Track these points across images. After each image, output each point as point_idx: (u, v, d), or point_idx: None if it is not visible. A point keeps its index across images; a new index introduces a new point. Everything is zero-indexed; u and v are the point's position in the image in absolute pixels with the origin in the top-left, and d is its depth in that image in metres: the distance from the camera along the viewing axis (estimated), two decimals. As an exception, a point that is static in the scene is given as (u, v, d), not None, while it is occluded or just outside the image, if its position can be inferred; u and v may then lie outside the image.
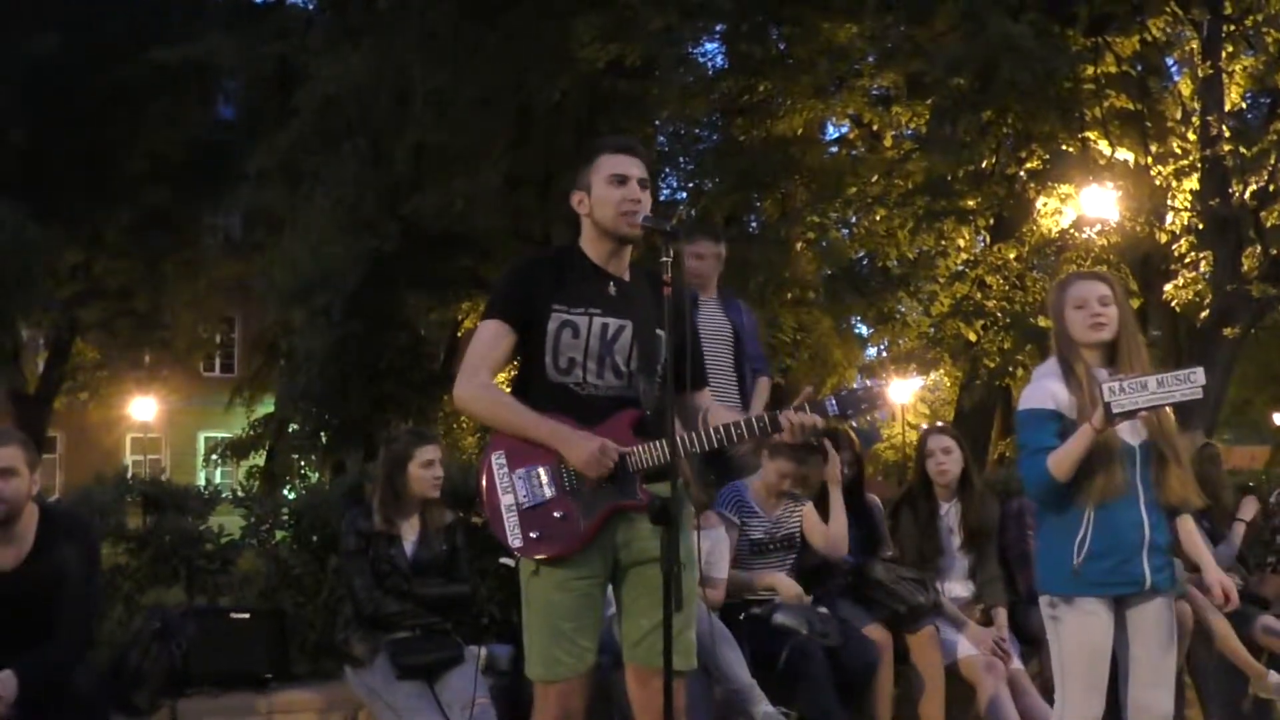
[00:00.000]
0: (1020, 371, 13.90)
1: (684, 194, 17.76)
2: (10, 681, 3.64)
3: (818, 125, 16.88)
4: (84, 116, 19.77)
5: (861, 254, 18.13)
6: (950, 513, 5.21)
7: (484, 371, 3.17)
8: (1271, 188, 12.18)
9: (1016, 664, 5.01)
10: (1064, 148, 13.08)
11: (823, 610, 4.88)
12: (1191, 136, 12.50)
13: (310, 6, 20.50)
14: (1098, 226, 13.04)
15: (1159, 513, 3.52)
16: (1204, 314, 12.64)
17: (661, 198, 17.07)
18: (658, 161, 17.46)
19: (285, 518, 5.40)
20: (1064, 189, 13.28)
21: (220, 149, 20.23)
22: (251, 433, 20.83)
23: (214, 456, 21.45)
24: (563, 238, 14.88)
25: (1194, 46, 12.95)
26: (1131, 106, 13.00)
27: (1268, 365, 22.57)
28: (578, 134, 16.08)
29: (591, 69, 14.06)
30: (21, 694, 3.65)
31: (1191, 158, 12.26)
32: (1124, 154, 13.14)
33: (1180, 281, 12.94)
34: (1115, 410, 3.26)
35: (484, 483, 3.13)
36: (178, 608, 4.87)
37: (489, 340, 3.18)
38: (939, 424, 7.78)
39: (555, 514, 3.07)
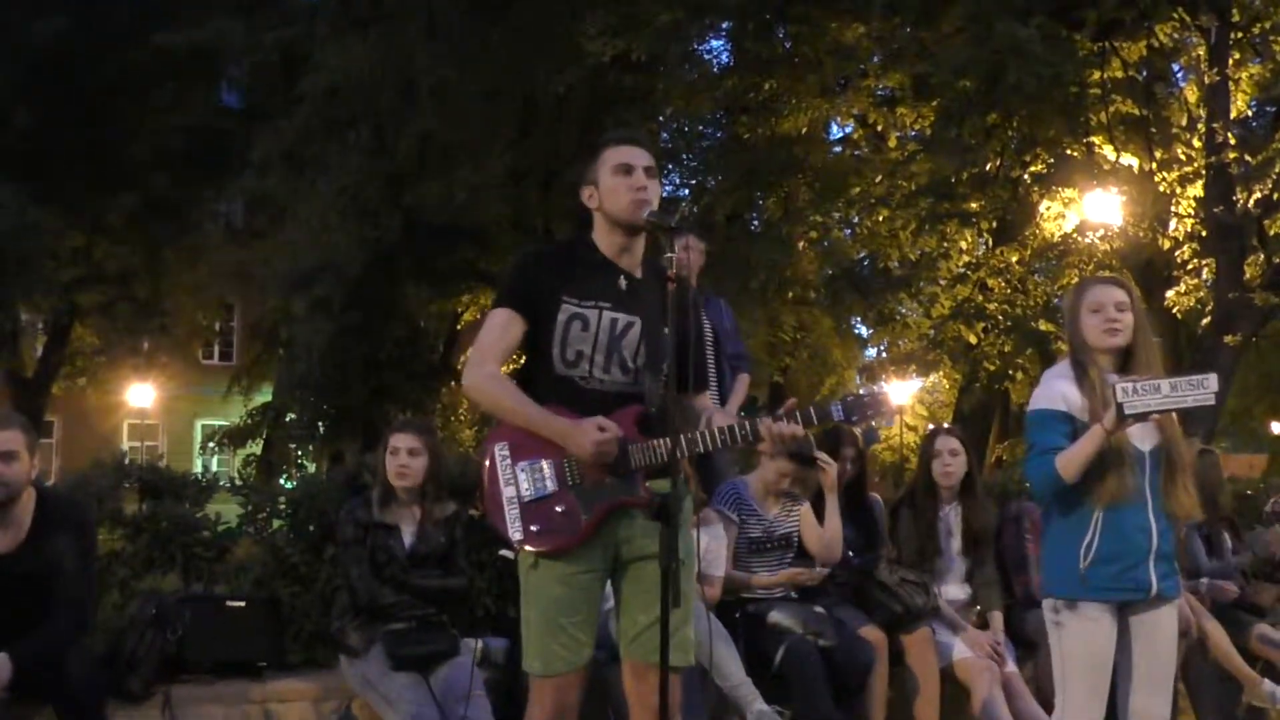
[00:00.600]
0: (1020, 375, 13.91)
1: (687, 191, 17.74)
2: (5, 664, 3.64)
3: (822, 125, 16.90)
4: (88, 101, 19.73)
5: (863, 254, 18.14)
6: (950, 515, 5.21)
7: (491, 360, 3.16)
8: (1276, 196, 12.16)
9: (1011, 667, 5.01)
10: (1068, 152, 13.07)
11: (819, 610, 4.87)
12: (1196, 143, 12.49)
13: (316, -5, 20.45)
14: (1101, 231, 13.04)
15: (1166, 520, 3.51)
16: (1205, 321, 12.63)
17: (664, 194, 17.04)
18: (661, 158, 17.44)
19: (282, 506, 5.40)
20: (1068, 193, 13.29)
21: (223, 136, 20.18)
22: (249, 421, 20.82)
23: (211, 444, 21.45)
24: (565, 231, 14.89)
25: (1201, 53, 12.92)
26: (1137, 112, 12.99)
27: (1267, 374, 22.58)
28: (582, 128, 16.08)
29: (597, 63, 14.05)
30: (16, 677, 3.65)
31: (1196, 164, 12.25)
32: (1128, 159, 13.13)
33: (1182, 288, 12.94)
34: (1128, 411, 3.24)
35: (486, 474, 3.12)
36: (173, 594, 4.87)
37: (498, 329, 3.17)
38: (946, 425, 7.77)
39: (557, 508, 3.06)
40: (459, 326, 20.93)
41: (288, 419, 19.04)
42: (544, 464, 3.08)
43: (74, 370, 25.39)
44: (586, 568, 3.09)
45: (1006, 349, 13.48)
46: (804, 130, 15.57)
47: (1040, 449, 3.50)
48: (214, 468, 22.08)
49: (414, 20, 15.21)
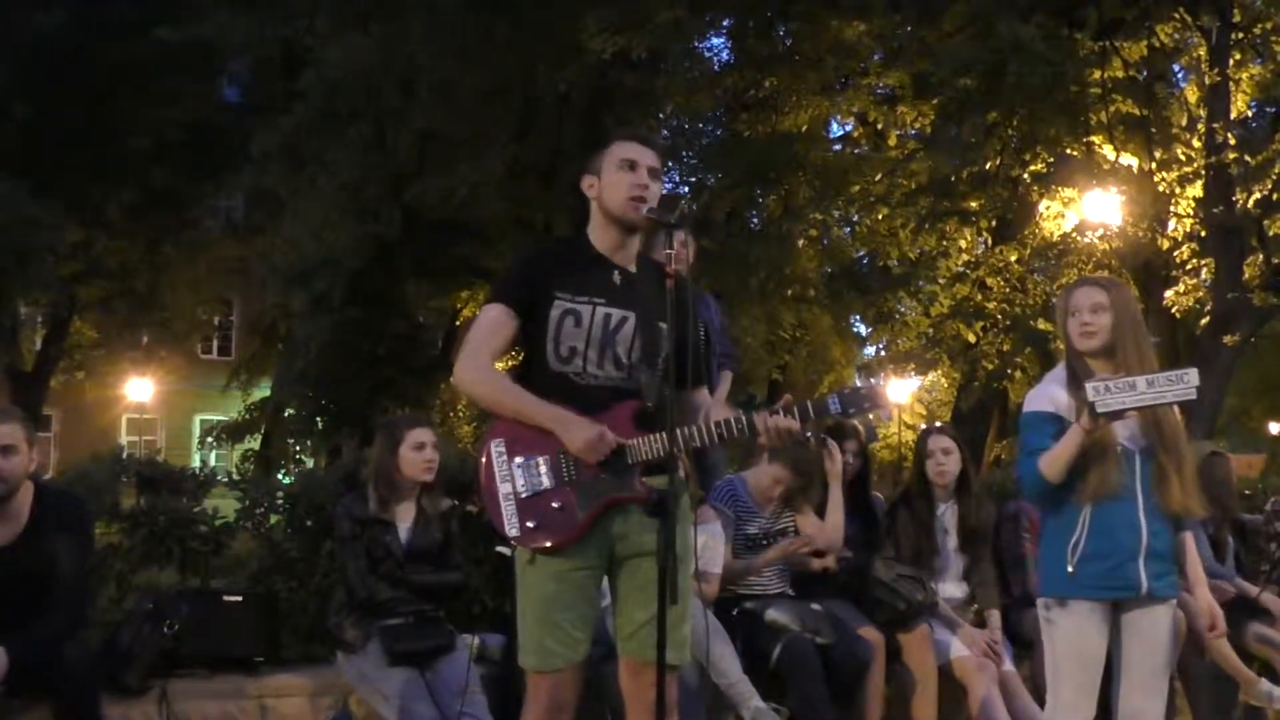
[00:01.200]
0: (1018, 374, 13.93)
1: (687, 188, 17.75)
2: (1, 658, 3.64)
3: (822, 123, 16.91)
4: (87, 94, 19.71)
5: (863, 253, 18.19)
6: (947, 513, 5.21)
7: (484, 355, 3.16)
8: (1275, 196, 12.17)
9: (1008, 666, 5.01)
10: (1068, 151, 13.08)
11: (816, 607, 4.87)
12: (1196, 143, 12.49)
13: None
14: (1100, 231, 13.05)
15: (1160, 520, 3.50)
16: (1204, 321, 12.64)
17: (664, 191, 17.04)
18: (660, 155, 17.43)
19: (279, 501, 5.39)
20: (1067, 193, 13.29)
21: (224, 130, 20.19)
22: (248, 416, 20.85)
23: (209, 439, 21.46)
24: (564, 228, 14.89)
25: (1201, 53, 12.93)
26: (1137, 112, 12.99)
27: (1266, 374, 22.62)
28: (583, 125, 16.09)
29: (598, 60, 14.05)
30: (13, 671, 3.65)
31: (1196, 165, 12.25)
32: (1128, 159, 13.13)
33: (1181, 288, 12.95)
34: (1100, 409, 3.25)
35: (482, 470, 3.12)
36: (170, 589, 4.86)
37: (491, 325, 3.17)
38: (939, 424, 7.78)
39: (553, 504, 3.06)
40: (458, 322, 20.93)
41: (286, 414, 19.06)
42: (540, 460, 3.08)
43: (73, 364, 25.41)
44: (582, 564, 3.09)
45: (1005, 348, 13.50)
46: (804, 128, 15.58)
47: (1029, 450, 3.53)
48: (212, 462, 22.08)
49: (415, 16, 15.20)
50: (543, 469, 3.07)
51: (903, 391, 23.64)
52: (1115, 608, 3.52)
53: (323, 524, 5.09)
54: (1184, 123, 13.22)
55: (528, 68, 15.21)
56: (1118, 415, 3.29)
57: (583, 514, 3.05)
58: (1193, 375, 3.25)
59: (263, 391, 21.92)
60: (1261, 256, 12.49)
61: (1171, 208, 12.74)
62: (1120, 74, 12.89)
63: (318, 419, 17.92)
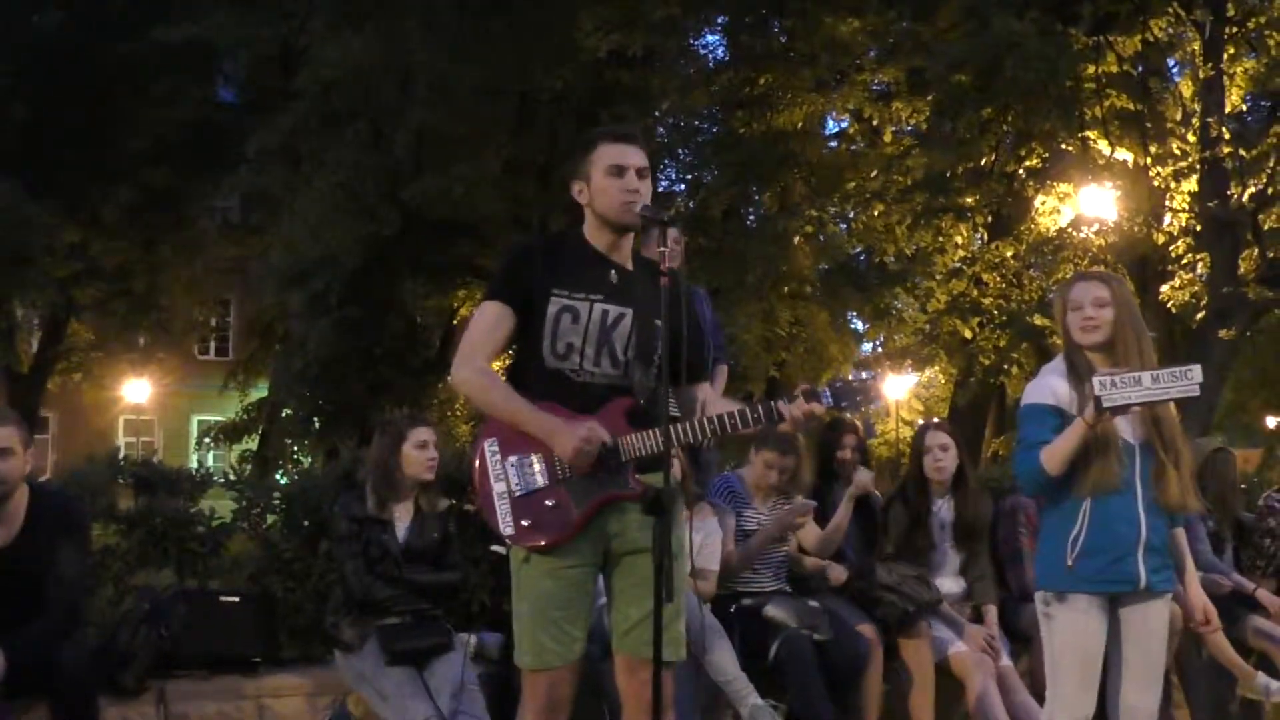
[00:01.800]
0: (1015, 369, 13.93)
1: (683, 185, 17.77)
2: (-1, 660, 3.64)
3: (818, 119, 16.89)
4: (85, 95, 19.71)
5: (859, 249, 18.18)
6: (944, 509, 5.21)
7: (481, 355, 3.16)
8: (1270, 190, 12.19)
9: (1006, 661, 5.01)
10: (1063, 147, 13.10)
11: (814, 604, 4.87)
12: (1191, 138, 12.51)
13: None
14: (1095, 226, 13.06)
15: (1158, 514, 3.51)
16: (1200, 315, 12.65)
17: (660, 189, 17.06)
18: (657, 153, 17.44)
19: (277, 502, 5.39)
20: (1063, 188, 13.31)
21: (220, 130, 20.18)
22: (245, 416, 20.82)
23: (207, 439, 21.43)
24: (561, 226, 14.88)
25: (1195, 48, 12.95)
26: (1132, 107, 13.01)
27: (1262, 368, 22.61)
28: (579, 123, 16.08)
29: (593, 58, 14.05)
30: (10, 672, 3.65)
31: (1191, 159, 12.27)
32: (1123, 154, 13.16)
33: (1177, 282, 12.97)
34: (1106, 404, 3.26)
35: (476, 469, 3.12)
36: (167, 590, 4.86)
37: (489, 323, 3.16)
38: (935, 420, 7.79)
39: (547, 502, 3.06)
40: (455, 321, 20.91)
41: (284, 414, 19.04)
42: (534, 458, 3.08)
43: (70, 366, 25.37)
44: (578, 561, 3.09)
45: (1002, 343, 13.51)
46: (800, 125, 15.59)
47: (1028, 443, 3.53)
48: (210, 463, 22.07)
49: (411, 15, 15.21)
50: (536, 467, 3.07)
51: (900, 387, 23.65)
52: (1113, 602, 3.53)
53: (320, 524, 5.09)
54: (1179, 117, 13.24)
55: (524, 66, 15.22)
56: (1123, 410, 3.30)
57: (577, 512, 3.05)
58: (1196, 371, 3.27)
59: (260, 392, 21.91)
60: (1257, 250, 12.52)
61: (1167, 202, 12.77)
62: (1115, 69, 12.91)
63: (315, 419, 17.92)
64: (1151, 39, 12.91)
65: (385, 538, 4.49)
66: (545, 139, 16.59)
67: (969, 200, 13.62)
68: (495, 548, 4.54)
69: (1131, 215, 12.71)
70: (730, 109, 16.53)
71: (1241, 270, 12.42)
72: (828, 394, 3.05)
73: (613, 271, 3.20)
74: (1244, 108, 14.17)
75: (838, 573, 5.07)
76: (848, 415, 5.24)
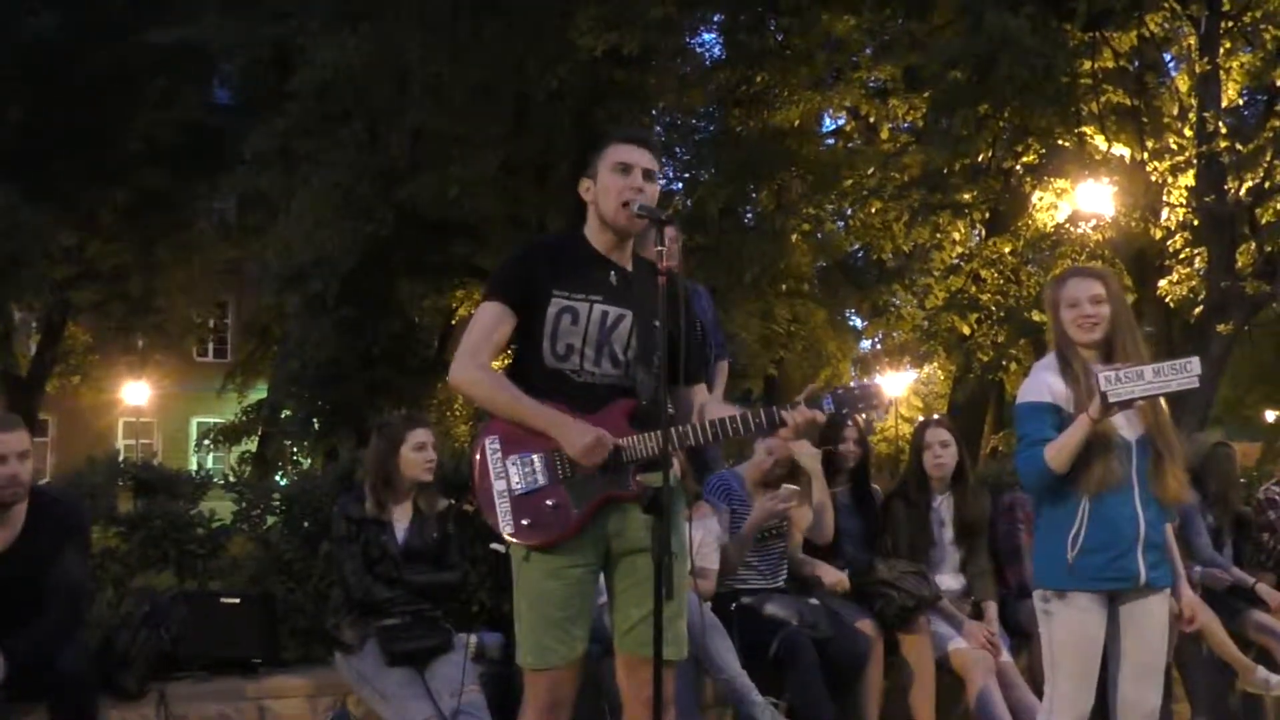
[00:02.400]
0: (1014, 365, 13.94)
1: (680, 184, 17.75)
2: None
3: (815, 117, 16.91)
4: (80, 97, 19.69)
5: (857, 246, 18.19)
6: (943, 505, 5.22)
7: (483, 354, 3.16)
8: (1267, 184, 12.20)
9: (1006, 657, 5.01)
10: (1060, 143, 13.10)
11: (813, 602, 4.87)
12: (1188, 133, 12.52)
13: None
14: (1093, 222, 13.06)
15: (1155, 510, 3.51)
16: (1198, 310, 12.66)
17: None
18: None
19: (276, 503, 5.39)
20: (1060, 184, 13.30)
21: (216, 132, 20.18)
22: (244, 418, 20.81)
23: (206, 441, 21.43)
24: (559, 226, 14.89)
25: (1192, 43, 12.95)
26: (1128, 102, 13.01)
27: (1260, 362, 22.65)
28: (575, 123, 16.08)
29: (590, 57, 14.05)
30: (10, 674, 3.65)
31: (1187, 154, 12.28)
32: (1120, 149, 13.16)
33: (1174, 277, 12.96)
34: (1112, 399, 3.27)
35: (477, 468, 3.12)
36: (167, 592, 4.86)
37: (489, 323, 3.16)
38: (935, 417, 7.80)
39: (548, 501, 3.06)
40: (453, 322, 20.92)
41: (283, 415, 19.03)
42: (534, 457, 3.08)
43: (68, 368, 25.37)
44: (578, 561, 3.09)
45: (1000, 339, 13.52)
46: (796, 123, 15.59)
47: (1029, 441, 3.52)
48: (209, 465, 22.07)
49: (406, 15, 15.19)
50: (537, 466, 3.07)
51: (899, 384, 23.68)
52: (1112, 598, 3.53)
53: (320, 525, 5.09)
54: (1175, 112, 13.25)
55: (520, 66, 15.21)
56: (1128, 404, 3.31)
57: (578, 511, 3.06)
58: (1195, 364, 3.29)
59: (259, 393, 21.89)
60: (1254, 244, 12.52)
61: (1164, 197, 12.77)
62: (1111, 64, 12.91)
63: (314, 420, 17.91)
64: (1147, 34, 12.91)
65: (384, 539, 4.49)
66: (542, 139, 16.57)
67: (966, 197, 13.61)
68: (495, 545, 4.54)
69: (1129, 210, 12.71)
70: (727, 107, 16.54)
71: (1239, 264, 12.43)
72: (830, 401, 3.04)
73: (613, 273, 3.20)
74: (1240, 102, 14.16)
75: (834, 578, 5.05)
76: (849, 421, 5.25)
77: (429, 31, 15.13)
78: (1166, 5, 12.50)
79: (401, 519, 4.57)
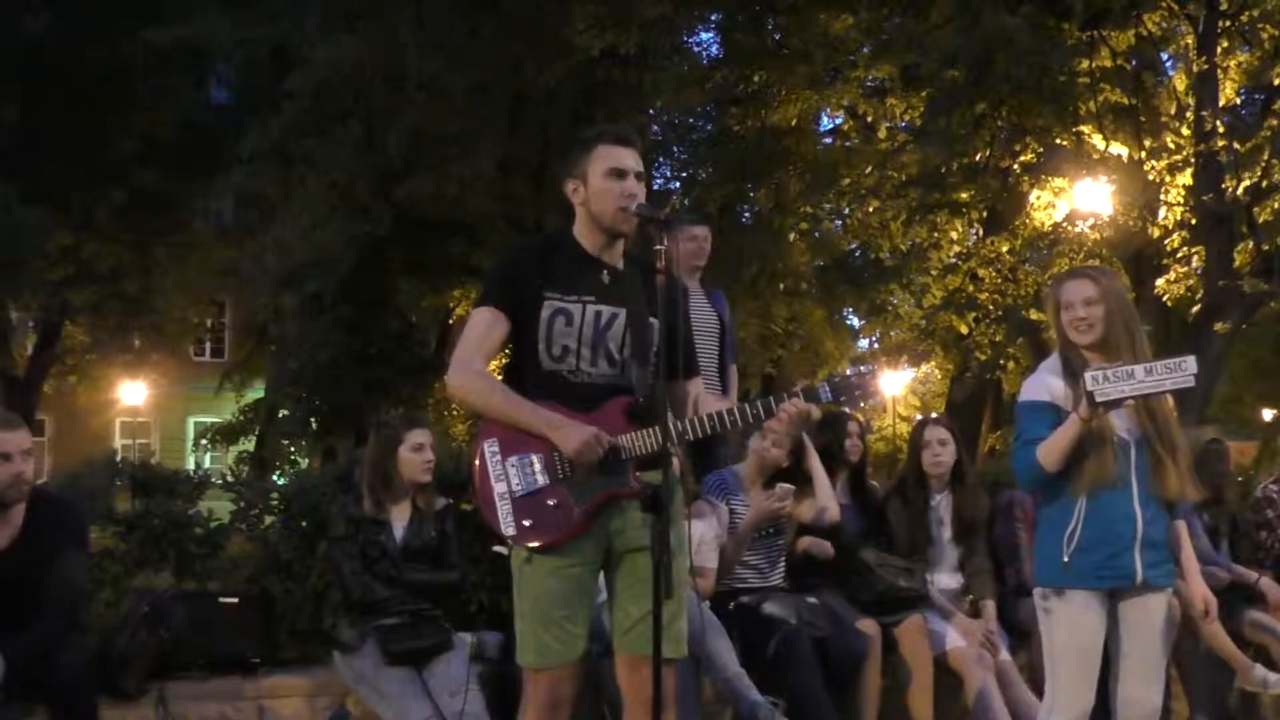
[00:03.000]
0: (1011, 364, 13.93)
1: (677, 183, 17.75)
2: (-2, 664, 3.64)
3: (812, 116, 16.89)
4: (76, 97, 19.66)
5: (854, 245, 18.18)
6: (942, 504, 5.22)
7: (478, 359, 3.16)
8: (1265, 183, 12.19)
9: (1004, 656, 5.02)
10: (1058, 141, 13.09)
11: (812, 600, 4.88)
12: (1186, 131, 12.50)
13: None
14: (1091, 220, 13.05)
15: (1155, 508, 3.51)
16: (1195, 309, 12.65)
17: (655, 187, 17.06)
18: (651, 150, 17.47)
19: (274, 503, 5.39)
20: (1057, 183, 13.29)
21: (213, 132, 20.15)
22: (241, 418, 20.79)
23: (204, 441, 21.41)
24: (556, 225, 14.89)
25: (1189, 41, 12.95)
26: (1126, 101, 13.00)
27: (1258, 361, 22.67)
28: (572, 121, 16.05)
29: (586, 57, 14.04)
30: (8, 674, 3.64)
31: (1185, 153, 12.26)
32: (1118, 148, 13.14)
33: (1172, 276, 12.96)
34: (1099, 399, 3.26)
35: (476, 470, 3.12)
36: (166, 591, 4.86)
37: (482, 328, 3.16)
38: (934, 415, 7.80)
39: (549, 502, 3.06)
40: (451, 321, 20.91)
41: (280, 415, 19.01)
42: (534, 458, 3.08)
43: (65, 369, 25.33)
44: (579, 560, 3.10)
45: (998, 338, 13.50)
46: (794, 122, 15.58)
47: (1025, 439, 3.53)
48: (206, 465, 22.04)
49: (402, 14, 15.18)
50: (537, 467, 3.08)
51: (896, 383, 23.68)
52: (1111, 596, 3.53)
53: (318, 524, 5.09)
54: (1173, 111, 13.24)
55: (516, 65, 15.20)
56: (1117, 404, 3.30)
57: (579, 511, 3.06)
58: (1190, 363, 3.26)
59: (256, 393, 21.87)
60: (1252, 243, 12.50)
61: (1162, 196, 12.75)
62: (1108, 63, 12.90)
63: (311, 420, 17.88)
64: (1145, 33, 12.90)
65: (382, 538, 4.50)
66: (538, 138, 16.55)
67: (964, 196, 13.60)
68: (498, 548, 4.54)
69: (1126, 209, 12.70)
70: (724, 106, 16.52)
71: (1237, 263, 12.42)
72: (826, 389, 3.05)
73: (604, 272, 3.21)
74: (1238, 101, 14.16)
75: (823, 548, 5.06)
76: (847, 410, 5.24)
77: (425, 31, 15.12)
78: (1164, 4, 12.50)
79: (400, 518, 4.57)
